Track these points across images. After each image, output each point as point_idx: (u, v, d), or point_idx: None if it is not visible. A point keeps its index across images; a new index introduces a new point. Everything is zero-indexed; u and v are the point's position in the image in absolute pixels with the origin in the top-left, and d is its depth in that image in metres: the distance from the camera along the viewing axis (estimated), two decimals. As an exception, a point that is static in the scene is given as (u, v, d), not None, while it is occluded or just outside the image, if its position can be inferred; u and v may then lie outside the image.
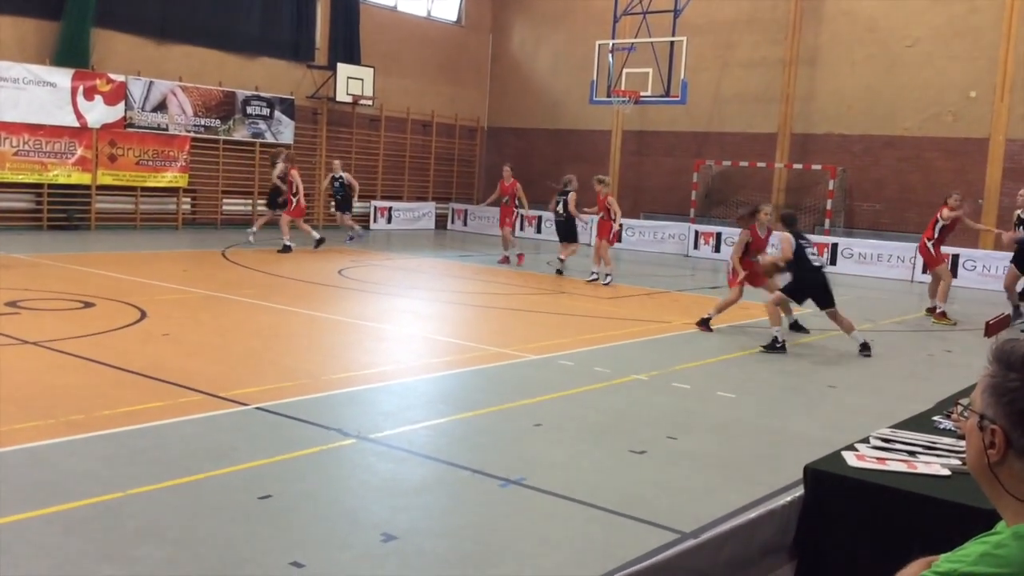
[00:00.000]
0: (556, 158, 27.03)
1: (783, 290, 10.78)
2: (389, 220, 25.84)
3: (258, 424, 6.34)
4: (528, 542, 4.59)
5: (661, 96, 21.59)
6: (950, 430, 3.75)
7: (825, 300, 10.57)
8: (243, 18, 22.46)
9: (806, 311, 13.58)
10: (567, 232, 16.84)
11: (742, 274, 11.51)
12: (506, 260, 18.09)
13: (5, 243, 16.00)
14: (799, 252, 10.55)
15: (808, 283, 10.56)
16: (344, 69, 23.70)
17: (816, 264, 10.69)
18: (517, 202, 18.48)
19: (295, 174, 18.25)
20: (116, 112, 19.99)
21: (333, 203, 21.02)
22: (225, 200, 22.52)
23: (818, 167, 22.19)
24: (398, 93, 26.07)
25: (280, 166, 18.52)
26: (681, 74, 21.24)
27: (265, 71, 23.03)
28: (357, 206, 25.48)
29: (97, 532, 4.37)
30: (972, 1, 20.45)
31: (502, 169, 18.98)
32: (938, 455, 3.42)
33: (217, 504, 4.82)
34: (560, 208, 16.79)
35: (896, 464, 3.30)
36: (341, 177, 19.92)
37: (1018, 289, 13.34)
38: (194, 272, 14.32)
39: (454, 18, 28.08)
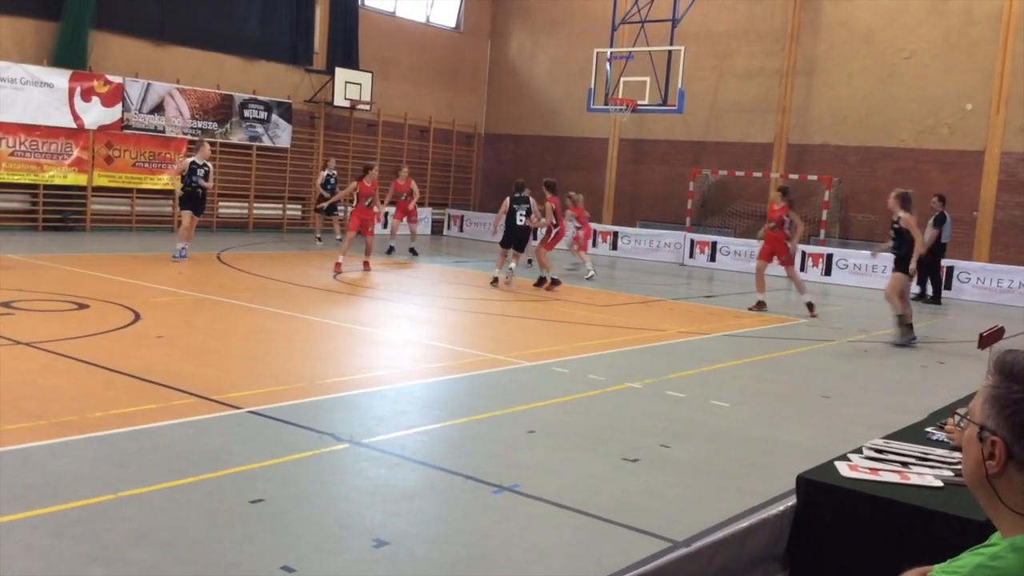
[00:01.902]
0: (553, 165, 27.04)
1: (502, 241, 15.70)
2: (385, 225, 25.80)
3: (251, 427, 6.32)
4: (520, 549, 4.59)
5: (658, 105, 21.63)
6: (943, 441, 3.76)
7: (520, 247, 15.77)
8: (242, 21, 22.49)
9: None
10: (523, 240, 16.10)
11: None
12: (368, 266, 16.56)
13: (0, 243, 15.96)
14: (511, 211, 15.47)
15: (512, 233, 15.54)
16: (342, 73, 23.72)
17: (520, 223, 15.47)
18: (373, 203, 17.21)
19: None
20: (113, 114, 19.97)
21: (182, 196, 16.51)
22: (221, 203, 22.49)
23: (814, 178, 22.23)
24: (396, 98, 26.09)
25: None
26: (678, 83, 21.28)
27: (263, 74, 23.03)
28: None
29: (88, 534, 4.35)
30: (969, 14, 20.53)
31: (370, 170, 16.83)
32: (931, 466, 3.42)
33: (209, 507, 4.80)
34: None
35: (889, 475, 3.31)
36: (206, 166, 16.38)
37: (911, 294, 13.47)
38: (189, 275, 14.30)
39: (453, 24, 28.12)
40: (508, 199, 15.70)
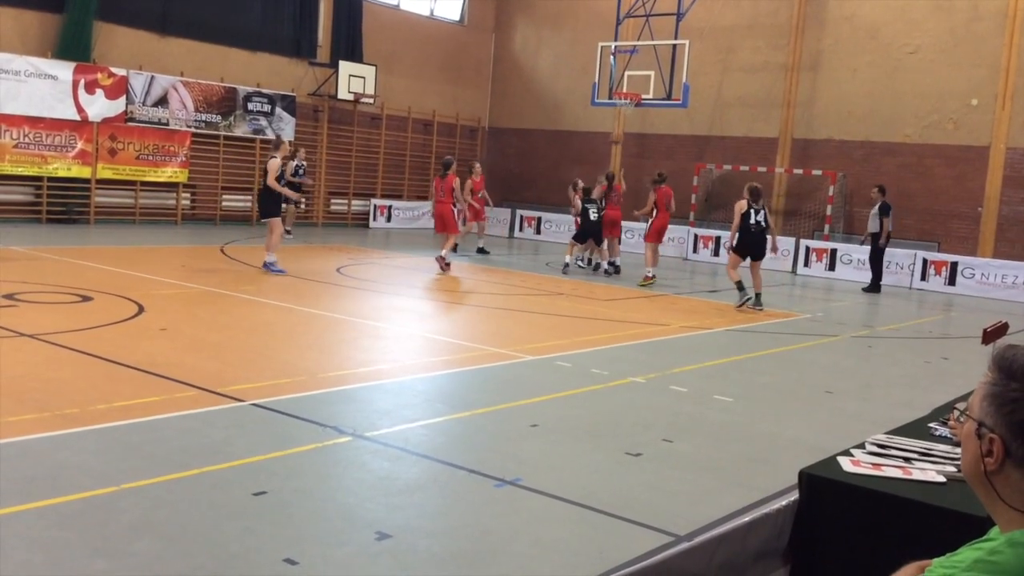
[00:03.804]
0: (557, 159, 27.05)
1: (576, 236, 17.46)
2: (389, 219, 25.83)
3: (254, 420, 6.33)
4: (522, 543, 4.59)
5: (663, 99, 21.59)
6: (946, 437, 3.75)
7: (598, 240, 17.40)
8: (245, 14, 22.47)
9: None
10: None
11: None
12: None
13: (4, 235, 15.98)
14: (585, 209, 17.02)
15: (587, 229, 17.12)
16: (346, 67, 23.70)
17: (593, 218, 16.96)
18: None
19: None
20: (117, 106, 19.98)
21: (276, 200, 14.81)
22: (225, 196, 22.50)
23: (818, 172, 22.20)
24: (400, 92, 26.07)
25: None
26: (683, 77, 21.24)
27: (267, 67, 23.02)
28: (356, 204, 25.58)
29: (90, 526, 4.36)
30: (975, 9, 20.46)
31: (474, 166, 19.69)
32: (934, 462, 3.42)
33: (211, 500, 4.81)
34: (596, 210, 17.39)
35: (891, 470, 3.30)
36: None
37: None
38: (192, 267, 14.31)
39: (457, 17, 28.08)
40: (578, 199, 17.55)
